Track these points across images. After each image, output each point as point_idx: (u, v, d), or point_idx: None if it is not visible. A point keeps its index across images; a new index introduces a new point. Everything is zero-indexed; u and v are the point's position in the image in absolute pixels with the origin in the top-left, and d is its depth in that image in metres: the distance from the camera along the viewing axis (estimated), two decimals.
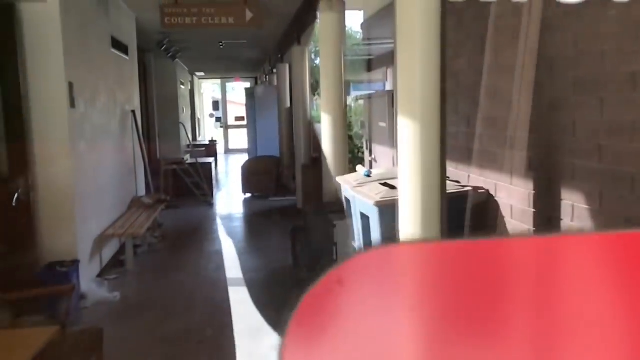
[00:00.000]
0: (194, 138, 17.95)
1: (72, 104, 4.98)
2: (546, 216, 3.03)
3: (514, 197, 3.35)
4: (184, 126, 13.83)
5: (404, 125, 2.98)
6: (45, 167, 4.73)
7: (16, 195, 4.45)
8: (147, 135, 10.91)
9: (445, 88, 2.90)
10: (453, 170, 4.21)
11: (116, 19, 7.07)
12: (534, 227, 3.15)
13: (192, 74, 18.57)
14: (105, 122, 6.38)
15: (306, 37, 8.31)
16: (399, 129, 3.01)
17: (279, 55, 11.09)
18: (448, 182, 4.01)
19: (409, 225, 3.05)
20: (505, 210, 3.48)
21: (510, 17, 3.19)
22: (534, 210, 3.15)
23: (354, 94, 16.06)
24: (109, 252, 6.31)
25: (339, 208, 5.51)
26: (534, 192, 3.14)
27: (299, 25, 8.17)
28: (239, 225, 9.17)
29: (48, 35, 4.67)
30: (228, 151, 21.23)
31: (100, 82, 6.16)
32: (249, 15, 6.87)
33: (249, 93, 14.10)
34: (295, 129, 8.71)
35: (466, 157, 4.02)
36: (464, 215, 3.62)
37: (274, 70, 12.41)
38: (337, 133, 5.84)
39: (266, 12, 7.82)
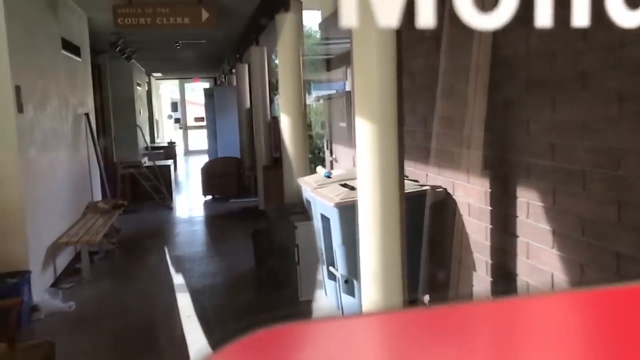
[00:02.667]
0: (152, 140, 17.60)
1: (20, 108, 4.79)
2: (502, 214, 3.08)
3: (471, 196, 3.39)
4: (140, 129, 13.53)
5: (361, 125, 2.97)
6: None
7: None
8: (103, 138, 10.62)
9: (401, 88, 2.90)
10: (411, 169, 4.23)
11: (66, 20, 6.84)
12: (491, 224, 3.19)
13: (149, 74, 18.20)
14: (56, 126, 6.16)
15: (266, 37, 8.24)
16: (357, 129, 3.00)
17: (238, 56, 10.97)
18: (407, 181, 4.03)
19: (369, 225, 3.05)
20: (463, 209, 3.52)
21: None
22: (490, 208, 3.19)
23: (314, 93, 16.06)
24: (63, 260, 6.10)
25: (300, 209, 5.47)
26: (490, 190, 3.18)
27: (257, 26, 8.09)
28: (199, 228, 9.03)
29: None
30: (188, 152, 20.90)
31: (50, 85, 5.95)
32: (204, 15, 6.76)
33: (208, 94, 13.91)
34: (256, 129, 8.63)
35: (424, 157, 4.04)
36: (423, 214, 3.64)
37: (233, 71, 12.27)
38: (297, 133, 5.81)
39: (223, 12, 7.70)
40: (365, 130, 2.95)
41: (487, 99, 3.07)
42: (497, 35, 2.94)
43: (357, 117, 3.03)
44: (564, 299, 0.60)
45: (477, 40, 3.05)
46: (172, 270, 6.49)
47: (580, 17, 0.67)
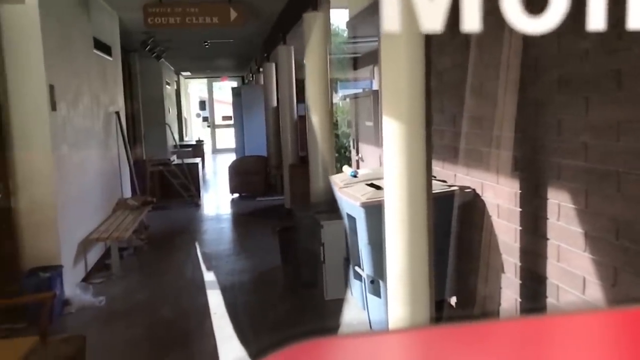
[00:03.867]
0: (181, 138, 17.82)
1: (54, 107, 4.90)
2: (532, 215, 3.02)
3: (500, 197, 3.33)
4: (169, 127, 13.71)
5: (388, 124, 2.95)
6: (26, 172, 4.64)
7: None
8: (133, 136, 10.79)
9: (430, 87, 2.86)
10: (439, 169, 4.19)
11: (98, 20, 6.97)
12: (520, 226, 3.14)
13: (178, 73, 18.43)
14: (88, 124, 6.29)
15: (293, 36, 8.25)
16: (384, 128, 2.98)
17: (265, 55, 11.02)
18: (434, 181, 3.99)
19: (395, 226, 3.02)
20: (492, 210, 3.46)
21: (495, 14, 3.16)
22: (520, 209, 3.14)
23: (341, 92, 16.03)
24: (94, 255, 6.23)
25: (326, 208, 5.47)
26: (519, 191, 3.13)
27: (285, 25, 8.12)
28: (226, 226, 9.11)
29: (27, 38, 4.58)
30: (216, 151, 21.11)
31: (82, 83, 6.07)
32: (233, 14, 6.81)
33: (236, 92, 14.01)
34: (282, 128, 8.66)
35: (452, 156, 4.00)
36: (451, 215, 3.59)
37: (261, 70, 12.33)
38: (323, 132, 5.80)
39: (251, 11, 7.75)
40: (393, 130, 2.92)
41: (518, 98, 3.01)
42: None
43: (385, 116, 3.01)
44: (597, 318, 0.58)
45: (508, 38, 2.99)
46: (199, 267, 6.57)
47: (599, 19, 0.65)
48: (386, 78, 2.96)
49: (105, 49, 7.28)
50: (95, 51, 6.70)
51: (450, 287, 3.75)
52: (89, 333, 4.41)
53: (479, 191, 3.62)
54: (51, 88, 4.82)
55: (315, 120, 5.79)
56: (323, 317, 4.50)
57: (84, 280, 5.69)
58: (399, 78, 2.89)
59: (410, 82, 2.87)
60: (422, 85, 2.88)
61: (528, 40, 2.92)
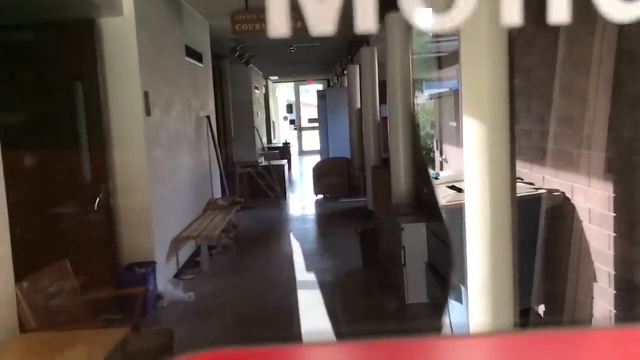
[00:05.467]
0: (269, 141, 18.31)
1: (148, 112, 5.21)
2: (627, 220, 2.81)
3: (591, 200, 3.13)
4: (257, 130, 14.12)
5: (469, 125, 2.87)
6: (124, 173, 4.98)
7: (97, 200, 4.71)
8: (224, 139, 11.24)
9: (513, 85, 2.75)
10: (527, 171, 4.00)
11: (190, 28, 7.33)
12: (614, 232, 2.93)
13: (266, 78, 18.95)
14: (180, 128, 6.63)
15: (377, 37, 8.23)
16: (464, 129, 2.90)
17: (349, 57, 11.07)
18: (521, 184, 3.82)
19: (477, 230, 2.93)
20: (582, 214, 3.26)
21: (586, 6, 2.98)
22: (614, 214, 2.93)
23: (427, 92, 15.75)
24: (186, 253, 6.55)
25: (408, 210, 5.41)
26: (613, 195, 2.92)
27: None
28: (310, 226, 9.25)
29: (125, 47, 4.91)
30: (302, 152, 21.49)
31: (175, 90, 6.41)
32: None
33: (321, 95, 14.19)
34: (365, 130, 8.65)
35: (540, 158, 3.81)
36: (538, 219, 3.43)
37: (345, 72, 12.40)
38: (405, 134, 5.74)
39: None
40: (473, 130, 2.83)
41: (611, 96, 2.82)
42: (623, 25, 2.68)
43: (465, 116, 2.93)
44: None
45: (600, 32, 2.81)
46: (283, 266, 6.72)
47: None
48: (466, 76, 2.87)
49: (197, 56, 7.63)
50: (187, 58, 7.05)
51: (537, 295, 3.57)
52: (179, 326, 4.67)
53: (568, 194, 3.43)
54: (146, 94, 5.14)
55: (397, 121, 5.73)
56: (402, 321, 4.45)
57: (176, 276, 6.00)
58: (479, 75, 2.80)
59: (492, 80, 2.77)
60: (505, 83, 2.77)
61: (624, 32, 2.73)
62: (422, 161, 5.39)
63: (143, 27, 5.15)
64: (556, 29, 3.31)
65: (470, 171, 2.91)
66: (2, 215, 2.82)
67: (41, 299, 2.95)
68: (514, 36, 2.68)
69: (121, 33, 4.89)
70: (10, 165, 3.17)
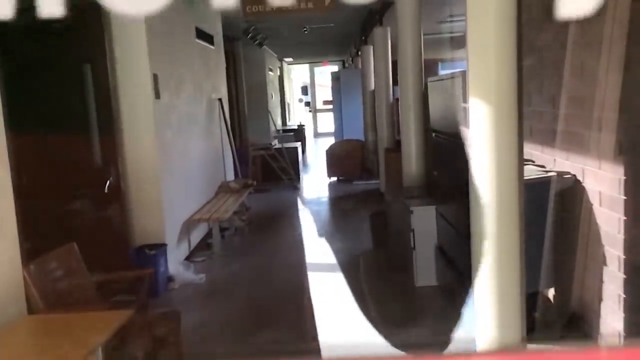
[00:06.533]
0: (284, 123, 18.26)
1: (157, 95, 5.21)
2: (638, 204, 2.74)
3: (602, 183, 3.06)
4: (270, 114, 14.07)
5: (475, 107, 2.81)
6: (133, 156, 5.00)
7: (108, 183, 4.75)
8: (237, 121, 11.23)
9: (521, 67, 2.68)
10: (538, 153, 3.93)
11: (200, 10, 7.28)
12: (624, 215, 2.87)
13: (280, 60, 18.84)
14: (191, 111, 6.63)
15: (390, 17, 8.11)
16: (471, 112, 2.84)
17: (363, 38, 10.94)
18: (532, 166, 3.76)
19: (484, 214, 2.89)
20: (593, 197, 3.19)
21: None
22: (624, 197, 2.86)
23: (442, 72, 15.52)
24: (198, 235, 6.60)
25: (419, 193, 5.36)
26: (624, 177, 2.85)
27: (381, 6, 7.99)
28: (323, 209, 9.25)
29: (133, 30, 4.90)
30: (317, 135, 21.44)
31: (185, 72, 6.39)
32: None
33: (335, 77, 14.08)
34: (378, 112, 8.57)
35: (552, 140, 3.73)
36: (547, 202, 3.37)
37: (359, 53, 12.27)
38: (416, 115, 5.67)
39: None
40: (480, 113, 2.78)
41: (623, 77, 2.73)
42: (636, 4, 2.59)
43: (471, 98, 2.87)
44: None
45: (612, 10, 2.72)
46: (294, 247, 6.74)
47: None
48: (473, 58, 2.81)
49: (208, 38, 7.60)
50: (197, 40, 7.02)
51: (546, 278, 3.53)
52: (188, 308, 4.72)
53: (579, 177, 3.36)
54: (155, 77, 5.13)
55: (408, 102, 5.66)
56: (411, 303, 4.44)
57: (188, 258, 6.05)
58: (486, 58, 2.74)
59: (500, 62, 2.70)
60: (513, 64, 2.71)
61: (635, 12, 2.64)
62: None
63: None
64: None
65: (476, 153, 2.87)
66: (7, 200, 2.85)
67: (49, 281, 3.00)
68: (521, 12, 2.59)
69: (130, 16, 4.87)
70: (19, 149, 3.20)
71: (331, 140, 13.77)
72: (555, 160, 3.70)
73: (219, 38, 8.31)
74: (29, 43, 4.57)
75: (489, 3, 2.66)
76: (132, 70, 4.92)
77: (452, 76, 4.26)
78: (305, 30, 11.00)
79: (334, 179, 10.82)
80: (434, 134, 4.88)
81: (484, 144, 2.81)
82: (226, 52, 9.08)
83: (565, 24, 3.33)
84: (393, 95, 8.28)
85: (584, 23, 3.07)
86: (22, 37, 4.52)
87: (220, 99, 8.14)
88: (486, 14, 2.68)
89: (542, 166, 3.77)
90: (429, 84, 5.15)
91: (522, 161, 2.81)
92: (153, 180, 5.15)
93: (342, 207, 9.07)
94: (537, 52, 3.80)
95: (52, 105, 4.74)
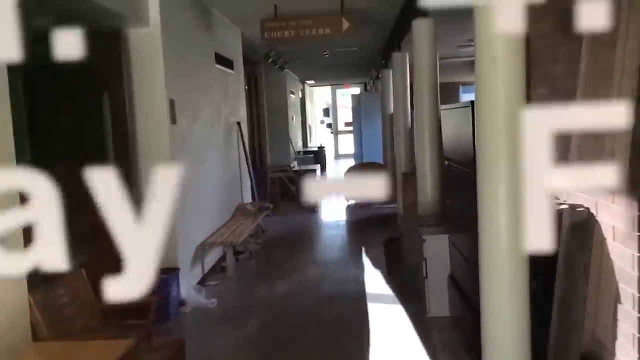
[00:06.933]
0: (305, 145, 18.33)
1: (174, 120, 5.28)
2: None
3: (616, 218, 2.97)
4: (290, 141, 14.07)
5: (484, 137, 2.78)
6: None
7: None
8: (258, 144, 11.31)
9: (530, 95, 2.64)
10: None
11: (221, 36, 7.40)
12: (639, 252, 2.76)
13: (303, 82, 19.01)
14: (208, 135, 6.69)
15: (408, 43, 8.12)
16: (478, 141, 2.81)
17: (384, 61, 10.97)
18: None
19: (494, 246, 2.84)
20: (607, 232, 3.10)
21: (610, 15, 2.83)
22: (639, 234, 2.76)
23: (465, 97, 15.42)
24: (214, 258, 6.61)
25: (433, 222, 5.29)
26: (639, 213, 2.76)
27: (399, 32, 8.01)
28: (340, 233, 9.20)
29: (151, 57, 4.99)
30: (338, 156, 21.46)
31: (203, 97, 6.47)
32: (345, 24, 6.86)
33: (355, 100, 14.13)
34: (396, 135, 8.55)
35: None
36: (560, 235, 3.28)
37: (380, 77, 12.31)
38: (432, 141, 5.62)
39: (369, 19, 7.76)
40: (488, 142, 2.74)
41: (635, 107, 2.66)
42: None
43: (479, 128, 2.84)
44: None
45: (624, 40, 2.66)
46: (309, 273, 6.70)
47: None
48: (481, 87, 2.78)
49: (228, 63, 7.70)
50: (217, 66, 7.12)
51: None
52: (199, 333, 4.70)
53: (593, 210, 3.26)
54: (172, 103, 5.20)
55: (423, 128, 5.63)
56: (422, 335, 4.35)
57: (201, 281, 6.05)
58: (494, 87, 2.71)
59: (508, 92, 2.67)
60: (522, 94, 2.67)
61: None
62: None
63: (170, 37, 5.22)
64: (582, 36, 3.16)
65: (484, 184, 2.83)
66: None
67: (55, 307, 3.02)
68: (530, 43, 2.57)
69: (147, 43, 4.98)
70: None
71: (352, 163, 13.77)
72: (568, 192, 3.61)
73: (239, 62, 8.41)
74: (51, 80, 4.66)
75: (497, 36, 2.63)
76: (149, 96, 5.00)
77: (463, 105, 4.22)
78: (326, 54, 11.10)
79: (353, 202, 10.78)
80: (447, 162, 4.82)
81: (493, 173, 2.77)
82: (248, 75, 9.18)
83: (579, 53, 3.28)
84: (412, 120, 8.25)
85: (597, 52, 3.02)
86: (42, 66, 4.63)
87: (239, 123, 8.21)
88: (494, 45, 2.66)
89: (556, 198, 3.68)
90: (442, 112, 5.11)
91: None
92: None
93: (359, 232, 9.01)
94: (550, 80, 3.75)
95: (71, 137, 4.81)
